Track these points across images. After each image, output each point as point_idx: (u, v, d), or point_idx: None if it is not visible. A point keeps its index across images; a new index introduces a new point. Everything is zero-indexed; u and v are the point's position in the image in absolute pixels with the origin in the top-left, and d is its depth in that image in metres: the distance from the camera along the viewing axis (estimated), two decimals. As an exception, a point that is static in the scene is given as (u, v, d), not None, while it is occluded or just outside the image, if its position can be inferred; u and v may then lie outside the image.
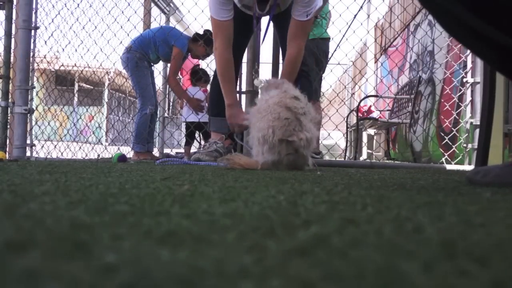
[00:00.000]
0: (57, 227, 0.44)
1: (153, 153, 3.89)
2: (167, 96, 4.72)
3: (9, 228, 0.44)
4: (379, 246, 0.40)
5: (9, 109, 3.18)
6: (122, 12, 3.60)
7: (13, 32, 3.18)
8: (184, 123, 4.23)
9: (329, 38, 3.62)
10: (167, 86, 4.41)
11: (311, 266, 0.32)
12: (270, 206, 0.63)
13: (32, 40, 3.11)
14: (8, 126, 3.21)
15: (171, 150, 4.77)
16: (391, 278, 0.29)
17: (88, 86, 10.25)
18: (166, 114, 4.70)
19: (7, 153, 3.11)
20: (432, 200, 0.77)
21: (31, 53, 3.13)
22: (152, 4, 4.42)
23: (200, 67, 4.49)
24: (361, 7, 3.32)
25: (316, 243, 0.40)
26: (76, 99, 9.14)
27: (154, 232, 0.43)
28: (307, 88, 2.24)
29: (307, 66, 3.02)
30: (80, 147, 3.75)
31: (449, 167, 2.71)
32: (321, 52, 3.36)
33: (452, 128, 3.39)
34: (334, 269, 0.31)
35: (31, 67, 3.14)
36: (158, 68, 4.33)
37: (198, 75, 4.05)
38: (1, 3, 3.21)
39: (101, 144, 6.17)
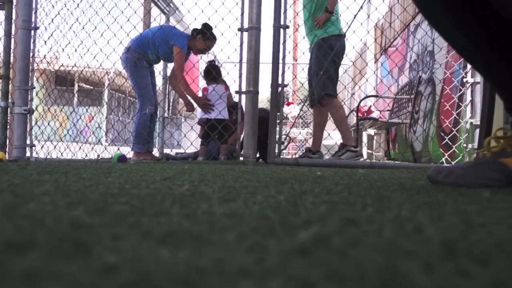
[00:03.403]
0: (57, 227, 0.44)
1: (153, 153, 3.88)
2: (167, 96, 4.71)
3: (9, 228, 0.44)
4: (379, 246, 0.39)
5: (9, 109, 3.18)
6: (122, 12, 3.59)
7: (13, 32, 3.18)
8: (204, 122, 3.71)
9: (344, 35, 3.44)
10: (167, 86, 4.39)
11: (311, 266, 0.32)
12: (270, 206, 0.63)
13: (31, 40, 3.11)
14: (8, 127, 3.21)
15: (171, 150, 4.76)
16: (391, 278, 0.29)
17: (88, 86, 10.25)
18: (166, 114, 4.69)
19: (7, 153, 3.11)
20: (432, 200, 0.77)
21: (31, 53, 3.12)
22: (152, 4, 4.41)
23: (215, 63, 4.08)
24: (361, 7, 3.30)
25: (316, 243, 0.40)
26: (76, 99, 9.15)
27: (154, 232, 0.43)
28: None
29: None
30: (80, 147, 3.74)
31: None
32: (338, 48, 3.25)
33: (452, 128, 3.39)
34: (334, 269, 0.31)
35: (30, 67, 3.14)
36: (158, 68, 4.32)
37: (211, 75, 3.67)
38: (0, 3, 3.21)
39: (101, 144, 6.16)
